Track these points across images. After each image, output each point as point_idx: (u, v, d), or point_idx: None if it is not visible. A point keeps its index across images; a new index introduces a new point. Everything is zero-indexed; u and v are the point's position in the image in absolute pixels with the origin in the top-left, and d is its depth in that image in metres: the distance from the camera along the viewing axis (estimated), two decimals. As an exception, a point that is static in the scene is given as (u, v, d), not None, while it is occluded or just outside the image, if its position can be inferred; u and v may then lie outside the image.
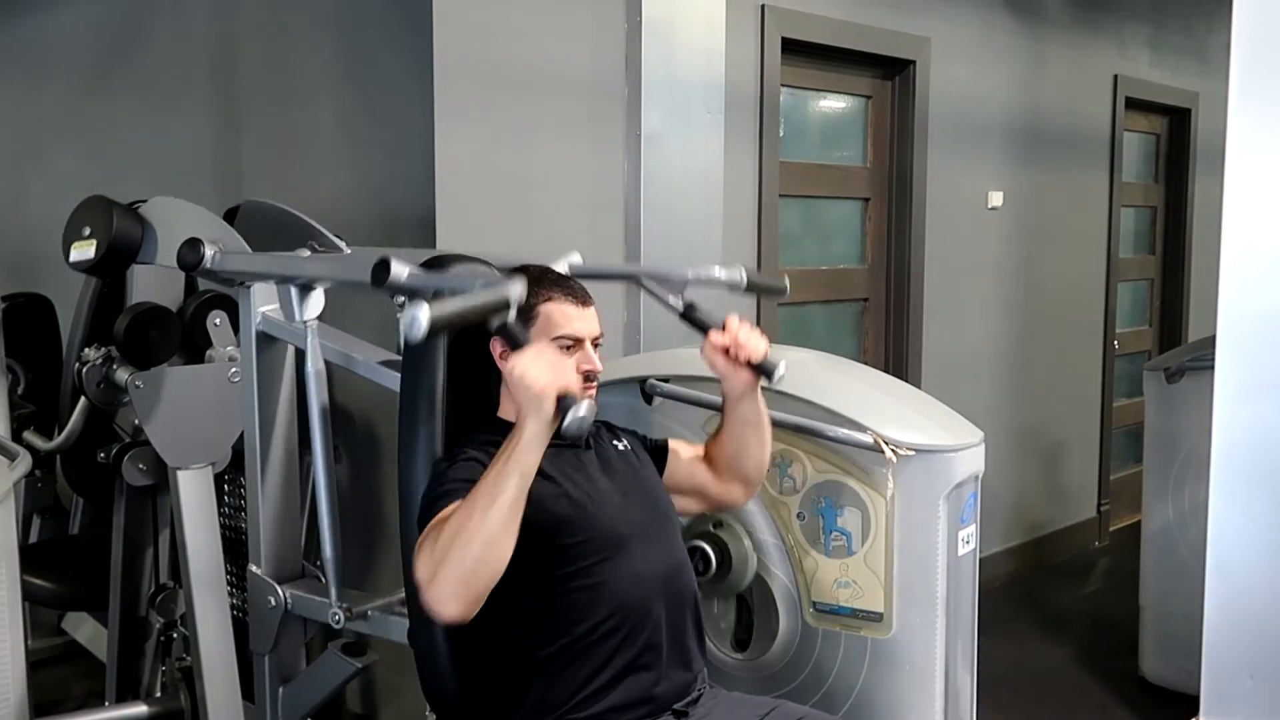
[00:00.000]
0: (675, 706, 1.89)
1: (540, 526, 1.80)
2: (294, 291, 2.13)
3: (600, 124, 3.21)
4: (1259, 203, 3.09)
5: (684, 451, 2.16)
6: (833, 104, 4.29)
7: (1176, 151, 6.07)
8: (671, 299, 2.10)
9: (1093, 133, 5.32)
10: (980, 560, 5.09)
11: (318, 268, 2.16)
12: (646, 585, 1.88)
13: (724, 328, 1.99)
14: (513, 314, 1.72)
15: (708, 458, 2.14)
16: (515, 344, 1.71)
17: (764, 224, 3.78)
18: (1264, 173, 3.08)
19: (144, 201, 3.00)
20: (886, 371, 4.20)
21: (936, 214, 4.40)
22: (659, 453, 2.13)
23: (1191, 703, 3.25)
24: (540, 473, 1.70)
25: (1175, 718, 3.30)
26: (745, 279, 2.17)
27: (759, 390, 2.03)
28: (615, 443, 2.04)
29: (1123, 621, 4.00)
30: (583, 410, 1.64)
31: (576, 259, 2.15)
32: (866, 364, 3.90)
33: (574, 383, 1.70)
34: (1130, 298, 5.97)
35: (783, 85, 3.81)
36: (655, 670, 1.87)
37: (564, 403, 1.65)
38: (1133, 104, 5.52)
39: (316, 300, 2.15)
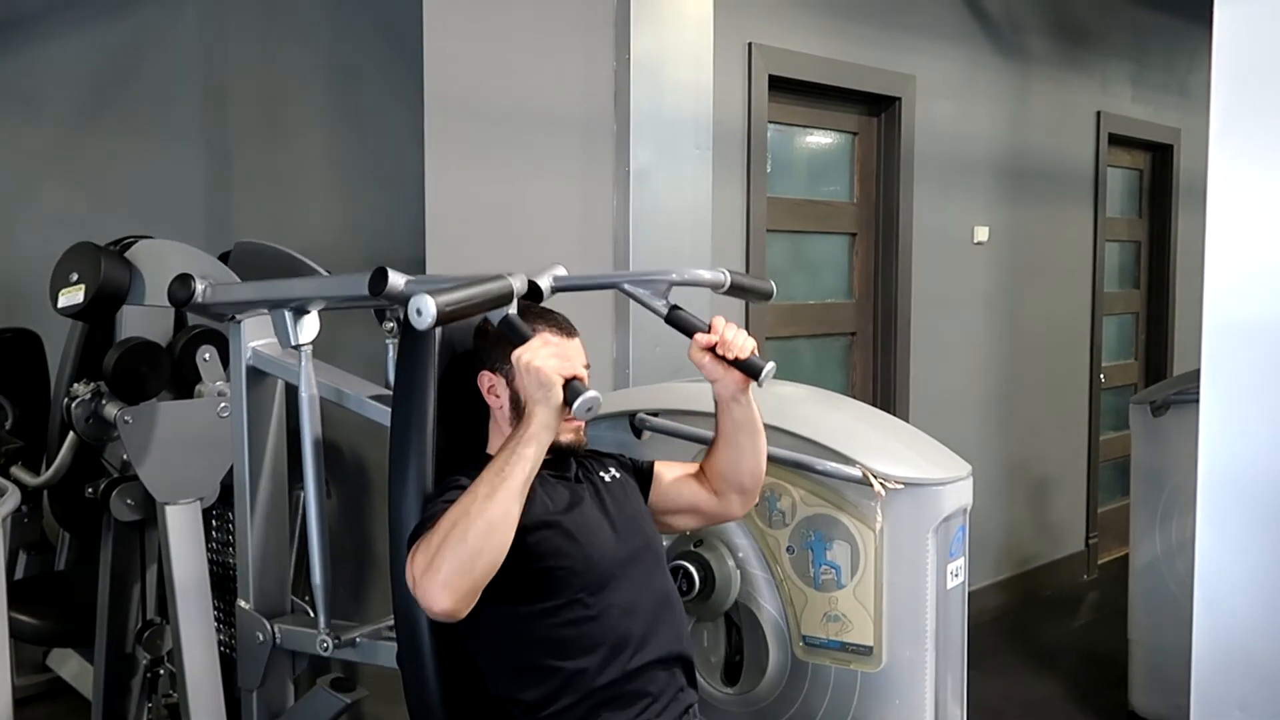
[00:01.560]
0: (670, 742, 1.89)
1: (533, 554, 1.81)
2: (288, 316, 2.13)
3: (590, 160, 3.24)
4: (1240, 238, 3.12)
5: (671, 470, 2.15)
6: (819, 140, 4.33)
7: (1159, 187, 6.13)
8: (656, 303, 2.08)
9: (1076, 168, 5.37)
10: (969, 593, 5.10)
11: (312, 287, 2.17)
12: (638, 617, 1.88)
13: (710, 328, 1.97)
14: (514, 307, 1.75)
15: (703, 473, 2.12)
16: (519, 337, 1.76)
17: (751, 259, 3.81)
18: (1245, 208, 3.12)
19: (132, 239, 3.03)
20: (874, 405, 4.22)
21: (923, 249, 4.43)
22: (644, 476, 2.13)
23: (1181, 736, 3.25)
24: (533, 502, 1.71)
25: (1163, 750, 3.31)
26: (729, 280, 2.15)
27: (750, 393, 2.01)
28: (604, 474, 2.04)
29: (1112, 655, 4.00)
30: (590, 394, 1.67)
31: (561, 271, 2.14)
32: (854, 398, 3.92)
33: (581, 370, 1.75)
34: (1116, 332, 6.01)
35: (770, 122, 3.85)
36: (647, 703, 1.86)
37: (572, 388, 1.69)
38: (1116, 140, 5.58)
39: (311, 324, 2.15)
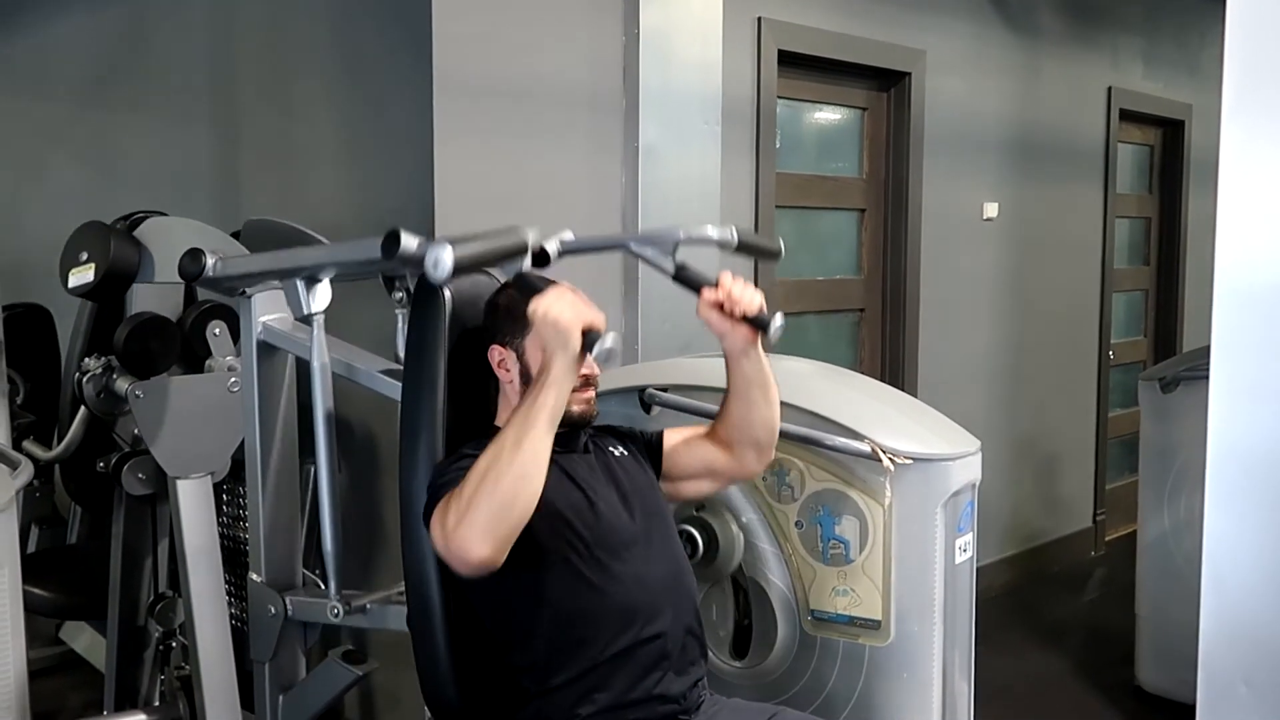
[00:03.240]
0: (678, 711, 1.90)
1: (545, 526, 1.82)
2: (300, 285, 2.14)
3: (598, 136, 3.24)
4: (1252, 214, 3.12)
5: (681, 435, 2.15)
6: (828, 116, 4.31)
7: (1170, 163, 6.11)
8: (664, 261, 2.05)
9: (1087, 144, 5.36)
10: (977, 569, 5.11)
11: (324, 254, 2.16)
12: (650, 589, 1.90)
13: (718, 284, 1.96)
14: (529, 261, 1.79)
15: (715, 434, 2.11)
16: (532, 289, 1.79)
17: (760, 234, 3.80)
18: (1257, 184, 3.11)
19: (141, 214, 3.04)
20: (882, 381, 4.22)
21: (931, 225, 4.43)
22: (654, 447, 2.13)
23: (1188, 712, 3.26)
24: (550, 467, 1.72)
25: (1168, 724, 3.33)
26: (736, 237, 2.11)
27: (760, 347, 2.00)
28: (613, 449, 2.05)
29: (1119, 631, 4.01)
30: (609, 341, 1.70)
31: (569, 235, 2.13)
32: (863, 374, 3.92)
33: (599, 318, 1.77)
34: (1125, 308, 6.00)
35: (779, 97, 3.84)
36: (658, 674, 1.88)
37: (590, 336, 1.72)
38: (1126, 116, 5.55)
39: (323, 293, 2.16)
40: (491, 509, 1.64)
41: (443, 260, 1.62)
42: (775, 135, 3.85)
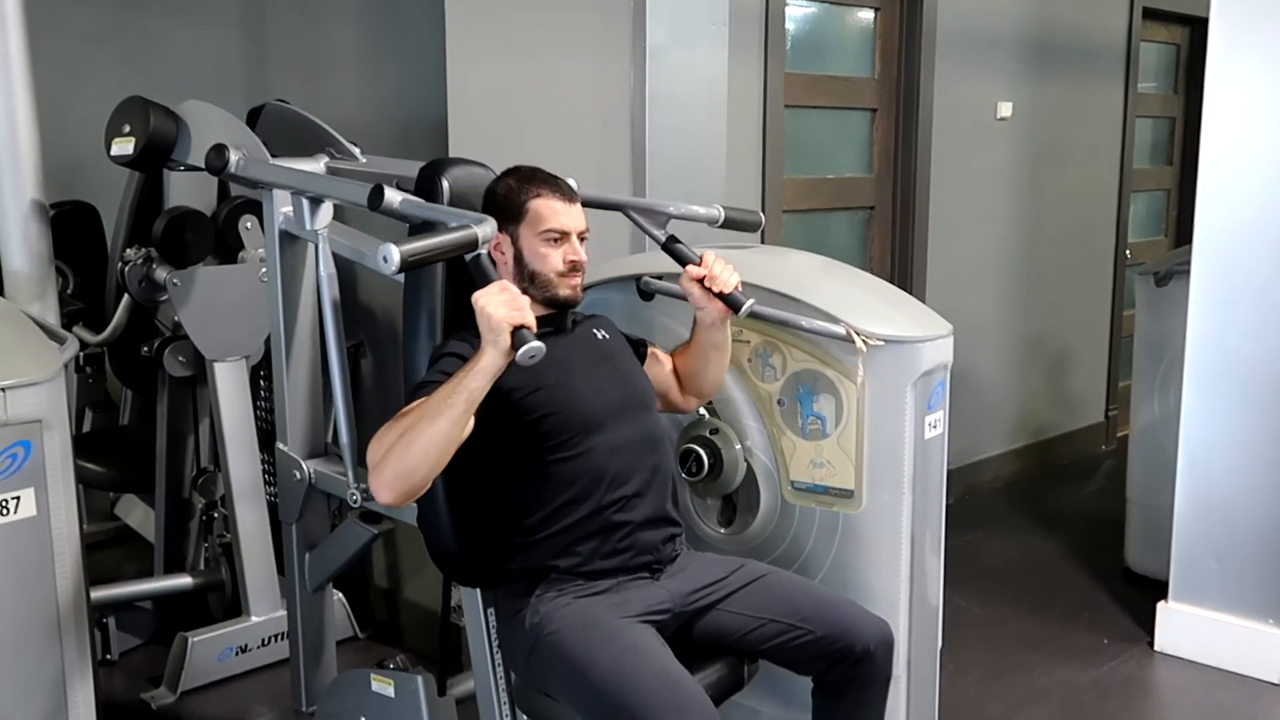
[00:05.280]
0: (653, 562, 2.11)
1: (526, 410, 2.02)
2: (305, 204, 2.32)
3: (607, 37, 3.34)
4: (1235, 119, 3.22)
5: (659, 355, 2.39)
6: (840, 16, 4.37)
7: (1197, 62, 6.06)
8: (656, 231, 2.31)
9: (1107, 42, 5.36)
10: (983, 460, 5.29)
11: (323, 186, 2.34)
12: (624, 456, 2.09)
13: (701, 261, 2.20)
14: (483, 251, 1.86)
15: (676, 367, 2.38)
16: (483, 279, 1.86)
17: (769, 134, 3.92)
18: (1240, 91, 3.21)
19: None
20: (891, 277, 4.36)
21: (944, 124, 4.50)
22: (639, 348, 2.35)
23: (1167, 588, 3.46)
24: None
25: (1150, 600, 3.50)
26: (722, 215, 2.44)
27: (728, 323, 2.28)
28: (597, 331, 2.24)
29: (1115, 519, 4.15)
30: (533, 345, 1.80)
31: (571, 182, 2.31)
32: (872, 271, 4.06)
33: (530, 319, 1.84)
34: (1146, 208, 6.04)
35: (788, -1, 3.91)
36: (634, 531, 2.08)
37: (519, 336, 1.81)
38: (1150, 14, 5.53)
39: (325, 212, 2.34)
40: (398, 468, 1.83)
41: (391, 258, 1.76)
42: (785, 35, 3.94)
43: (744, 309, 2.22)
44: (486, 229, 1.88)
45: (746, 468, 2.66)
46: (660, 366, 2.38)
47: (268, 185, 2.43)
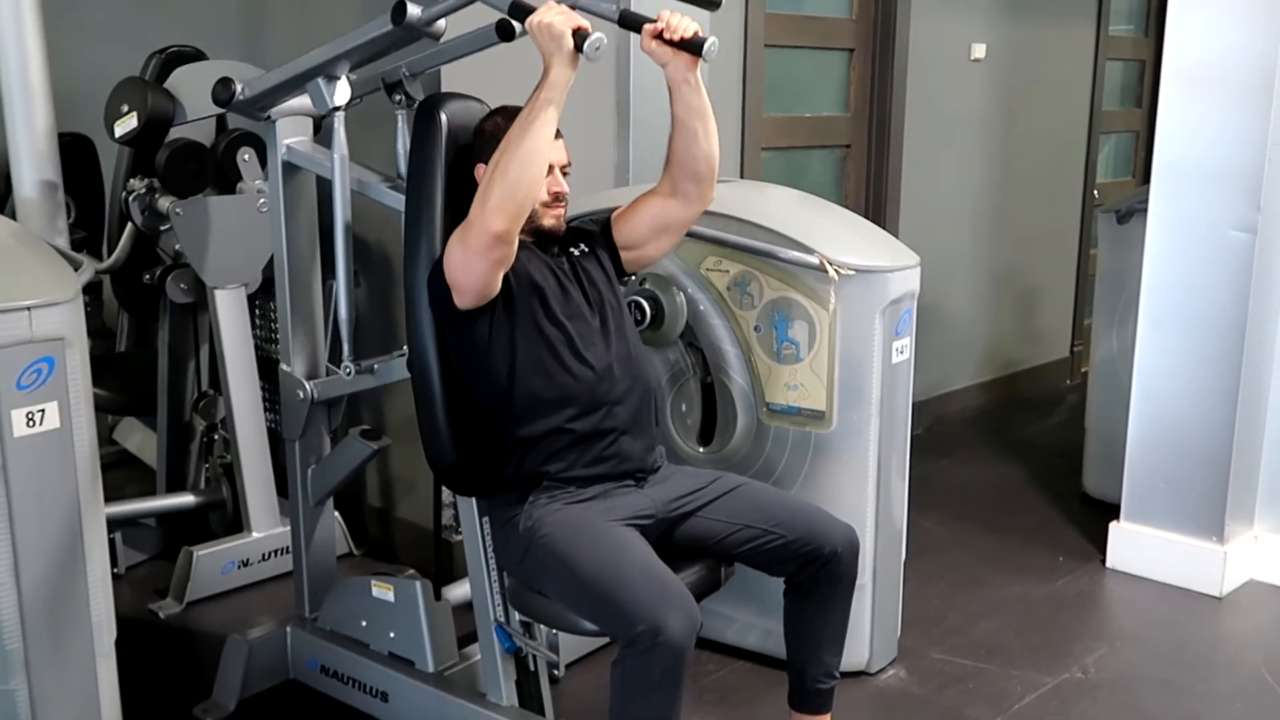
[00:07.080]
0: (637, 470, 2.28)
1: (523, 313, 2.19)
2: (322, 83, 2.37)
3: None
4: (1193, 58, 3.36)
5: (627, 207, 2.41)
6: (821, -43, 4.47)
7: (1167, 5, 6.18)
8: (605, 7, 2.18)
9: (1080, -14, 5.47)
10: (952, 393, 5.46)
11: (336, 46, 2.33)
12: (609, 375, 2.24)
13: (658, 19, 2.13)
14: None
15: (659, 190, 2.36)
16: (524, 10, 2.04)
17: (749, 73, 4.04)
18: (1199, 31, 3.34)
19: (174, 48, 3.33)
20: (865, 213, 4.50)
21: (919, 65, 4.62)
22: (606, 232, 2.40)
23: (1120, 509, 3.65)
24: (527, 266, 2.10)
25: (1104, 521, 3.70)
26: None
27: (699, 76, 2.19)
28: (574, 249, 2.35)
29: (1076, 448, 4.33)
30: (596, 36, 1.98)
31: None
32: (847, 206, 4.20)
33: (585, 24, 2.02)
34: (1115, 150, 6.19)
35: (769, -61, 4.00)
36: (616, 443, 2.24)
37: (580, 35, 2.00)
38: (1123, -43, 5.64)
39: (343, 88, 2.40)
40: (502, 189, 2.02)
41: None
42: (765, -24, 4.03)
43: (706, 46, 2.12)
44: None
45: (688, 315, 2.82)
46: (635, 211, 2.38)
47: (278, 93, 2.47)
